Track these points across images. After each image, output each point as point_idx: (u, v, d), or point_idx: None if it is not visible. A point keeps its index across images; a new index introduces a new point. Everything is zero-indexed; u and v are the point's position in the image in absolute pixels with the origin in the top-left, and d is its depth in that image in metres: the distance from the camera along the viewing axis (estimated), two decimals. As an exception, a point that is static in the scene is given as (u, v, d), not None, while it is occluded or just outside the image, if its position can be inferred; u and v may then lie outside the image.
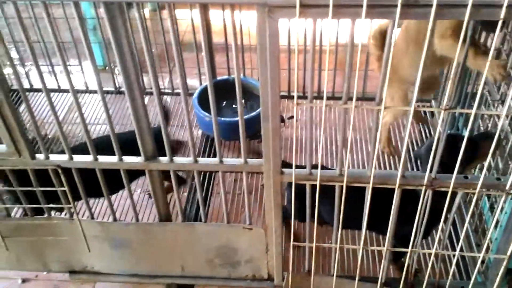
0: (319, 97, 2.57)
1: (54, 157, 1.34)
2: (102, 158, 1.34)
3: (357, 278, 1.53)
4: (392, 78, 1.88)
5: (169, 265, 1.57)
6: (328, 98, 2.64)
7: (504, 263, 1.45)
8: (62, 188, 1.38)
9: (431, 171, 1.28)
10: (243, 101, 2.49)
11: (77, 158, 1.35)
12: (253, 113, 2.26)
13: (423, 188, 1.30)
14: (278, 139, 1.25)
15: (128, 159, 1.33)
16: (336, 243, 1.44)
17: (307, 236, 1.46)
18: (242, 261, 1.55)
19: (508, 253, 1.43)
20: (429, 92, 2.27)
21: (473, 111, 1.15)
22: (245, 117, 2.22)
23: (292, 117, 2.58)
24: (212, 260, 1.56)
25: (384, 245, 1.44)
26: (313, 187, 1.31)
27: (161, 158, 1.33)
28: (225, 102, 2.49)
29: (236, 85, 1.19)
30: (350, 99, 1.15)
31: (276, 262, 1.52)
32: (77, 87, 2.80)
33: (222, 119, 2.27)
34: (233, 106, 2.50)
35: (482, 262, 1.65)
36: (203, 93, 2.39)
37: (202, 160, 1.33)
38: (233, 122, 2.20)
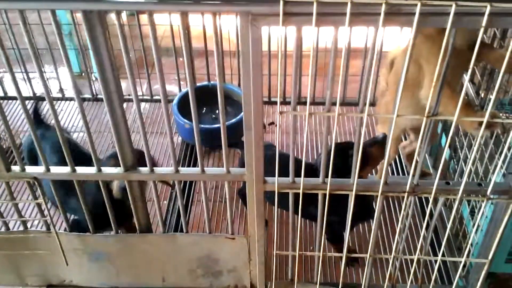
0: (300, 102, 2.58)
1: (30, 169, 1.30)
2: (80, 170, 1.30)
3: (340, 285, 1.52)
4: (387, 119, 1.82)
5: (150, 277, 1.54)
6: (309, 104, 2.64)
7: (485, 267, 1.46)
8: (38, 201, 1.34)
9: (413, 177, 1.28)
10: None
11: (54, 170, 1.31)
12: (233, 120, 2.23)
13: (406, 195, 1.31)
14: (261, 148, 1.23)
15: (107, 170, 1.30)
16: (319, 251, 1.43)
17: (290, 245, 1.45)
18: (224, 271, 1.53)
19: (489, 257, 1.44)
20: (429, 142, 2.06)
21: (455, 118, 1.16)
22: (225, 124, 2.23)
23: (273, 123, 2.57)
24: (193, 271, 1.53)
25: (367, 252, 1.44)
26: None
27: (141, 169, 1.30)
28: (204, 108, 2.47)
29: (218, 93, 1.17)
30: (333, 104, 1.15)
31: (259, 271, 1.50)
32: (52, 95, 2.79)
33: (202, 126, 2.25)
34: (213, 113, 2.48)
35: (463, 266, 1.66)
36: (183, 100, 2.36)
37: (184, 169, 1.31)
38: (213, 129, 2.18)
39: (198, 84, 2.55)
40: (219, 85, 1.16)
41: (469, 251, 1.61)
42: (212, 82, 2.51)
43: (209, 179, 1.32)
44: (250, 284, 1.56)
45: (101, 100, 2.67)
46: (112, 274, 1.53)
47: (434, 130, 1.91)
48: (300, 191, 1.30)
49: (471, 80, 1.74)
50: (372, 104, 2.63)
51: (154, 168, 1.29)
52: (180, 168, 1.30)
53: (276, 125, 2.57)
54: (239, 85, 2.56)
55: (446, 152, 1.24)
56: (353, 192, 1.30)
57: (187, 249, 1.47)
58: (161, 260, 1.50)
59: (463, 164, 1.79)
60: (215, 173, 1.31)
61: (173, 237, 1.44)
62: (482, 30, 1.01)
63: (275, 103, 2.58)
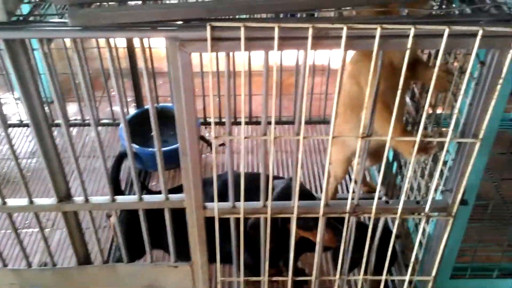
0: (251, 122, 2.60)
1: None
2: (11, 202, 1.25)
3: (289, 309, 1.50)
4: (338, 141, 1.82)
5: (92, 310, 1.49)
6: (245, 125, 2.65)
7: (430, 284, 1.48)
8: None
9: (353, 199, 1.28)
10: (170, 130, 2.46)
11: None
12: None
13: (347, 216, 1.31)
14: (198, 173, 1.21)
15: (39, 201, 1.25)
16: (264, 275, 1.41)
17: (234, 271, 1.42)
18: (169, 299, 1.49)
19: (433, 274, 1.46)
20: (377, 162, 2.00)
21: (388, 138, 1.17)
22: (173, 147, 2.20)
23: (223, 144, 2.56)
24: (138, 301, 1.48)
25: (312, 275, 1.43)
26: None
27: (76, 199, 1.25)
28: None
29: (151, 116, 1.15)
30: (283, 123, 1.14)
31: (205, 299, 1.47)
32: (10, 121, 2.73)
33: (150, 149, 2.21)
34: (163, 135, 2.43)
35: (410, 283, 1.67)
36: (130, 123, 2.31)
37: (120, 198, 1.27)
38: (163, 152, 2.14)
39: (146, 106, 2.52)
40: (151, 108, 1.14)
41: (415, 268, 1.62)
42: (161, 104, 2.49)
43: (147, 207, 1.28)
44: (197, 312, 1.52)
45: (54, 125, 2.63)
46: (51, 308, 1.47)
47: (380, 149, 1.94)
48: (241, 216, 1.28)
49: (412, 98, 1.77)
50: (324, 122, 2.68)
51: (88, 198, 1.25)
52: (116, 197, 1.26)
53: (226, 146, 2.55)
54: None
55: (382, 171, 1.25)
56: (294, 215, 1.29)
57: (129, 280, 1.42)
58: (103, 292, 1.45)
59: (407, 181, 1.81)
60: (154, 201, 1.28)
61: (112, 268, 1.39)
62: (408, 52, 1.03)
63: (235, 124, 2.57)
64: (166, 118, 2.24)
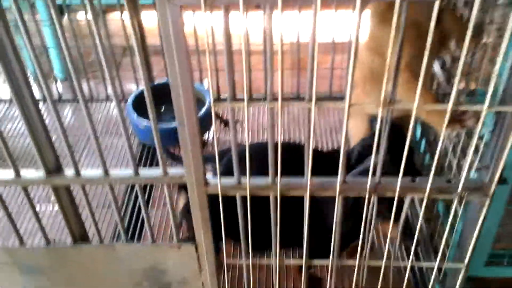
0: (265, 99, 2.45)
1: None
2: (-3, 174, 1.16)
3: (302, 296, 1.38)
4: (355, 112, 1.68)
5: (91, 291, 1.39)
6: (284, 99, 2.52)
7: (462, 273, 1.32)
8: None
9: (374, 175, 1.14)
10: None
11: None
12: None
13: (367, 194, 1.16)
14: (198, 145, 1.08)
15: (26, 173, 1.15)
16: (276, 258, 1.29)
17: (243, 253, 1.30)
18: (173, 282, 1.38)
19: (466, 261, 1.30)
20: None
21: (414, 106, 1.01)
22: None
23: (237, 121, 2.43)
24: (140, 283, 1.38)
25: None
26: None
27: (66, 172, 1.15)
28: (163, 106, 2.32)
29: (145, 92, 1.03)
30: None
31: (211, 283, 1.35)
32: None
33: (160, 125, 2.11)
34: (173, 111, 2.33)
35: (439, 270, 1.52)
36: (139, 98, 2.21)
37: (114, 172, 1.15)
38: (173, 128, 2.03)
39: (156, 82, 2.42)
40: (146, 84, 1.02)
41: (445, 254, 1.47)
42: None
43: (144, 182, 1.17)
44: (204, 296, 1.41)
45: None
46: (48, 289, 1.38)
47: (405, 123, 1.76)
48: (248, 194, 1.15)
49: (442, 67, 1.60)
50: (343, 98, 2.51)
51: (80, 172, 1.15)
52: (110, 171, 1.15)
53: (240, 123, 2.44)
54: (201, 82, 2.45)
55: (407, 145, 1.09)
56: (307, 193, 1.16)
57: (129, 260, 1.32)
58: (101, 273, 1.34)
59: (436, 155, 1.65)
60: (151, 175, 1.16)
61: (111, 247, 1.28)
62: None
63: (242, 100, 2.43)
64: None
